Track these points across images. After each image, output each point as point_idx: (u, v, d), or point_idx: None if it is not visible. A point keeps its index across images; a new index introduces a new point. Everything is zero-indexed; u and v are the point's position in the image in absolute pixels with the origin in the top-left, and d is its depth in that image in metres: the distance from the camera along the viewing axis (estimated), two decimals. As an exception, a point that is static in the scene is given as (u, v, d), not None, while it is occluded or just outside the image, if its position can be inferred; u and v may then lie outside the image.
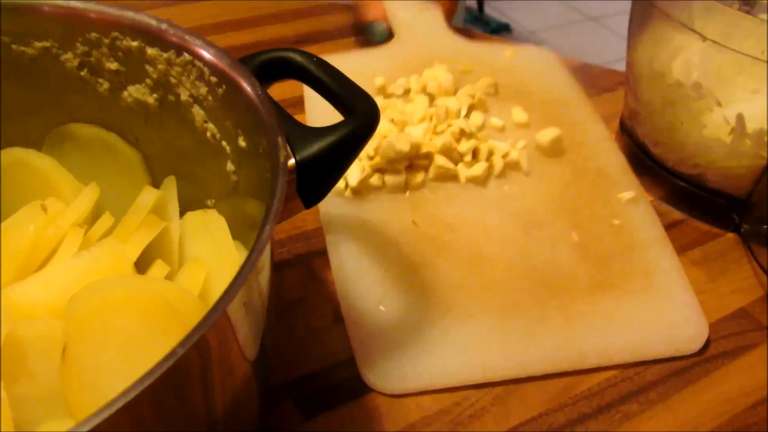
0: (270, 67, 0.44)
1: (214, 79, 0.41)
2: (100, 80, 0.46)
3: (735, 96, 0.59)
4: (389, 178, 0.59)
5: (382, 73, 0.70)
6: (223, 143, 0.43)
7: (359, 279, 0.53)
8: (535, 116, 0.68)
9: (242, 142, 0.41)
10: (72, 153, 0.48)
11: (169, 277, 0.43)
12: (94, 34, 0.44)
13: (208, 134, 0.44)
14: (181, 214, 0.46)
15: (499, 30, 3.14)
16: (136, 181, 0.48)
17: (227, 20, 0.89)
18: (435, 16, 0.81)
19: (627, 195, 0.62)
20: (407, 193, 0.60)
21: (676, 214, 0.65)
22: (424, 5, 0.81)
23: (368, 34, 0.81)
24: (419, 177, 0.60)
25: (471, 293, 0.53)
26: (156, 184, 0.48)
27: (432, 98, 0.68)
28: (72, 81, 0.46)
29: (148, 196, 0.45)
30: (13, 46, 0.44)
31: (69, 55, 0.45)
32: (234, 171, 0.43)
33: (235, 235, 0.44)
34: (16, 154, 0.47)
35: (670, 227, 0.63)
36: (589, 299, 0.53)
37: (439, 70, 0.70)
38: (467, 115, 0.66)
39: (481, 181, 0.61)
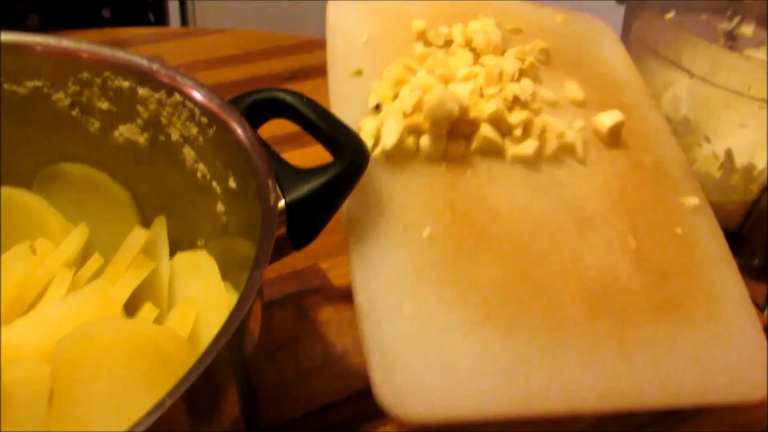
0: (260, 107, 0.45)
1: (204, 119, 0.41)
2: (91, 119, 0.46)
3: (723, 131, 0.60)
4: (427, 142, 0.49)
5: (423, 16, 0.59)
6: (214, 183, 0.43)
7: (380, 268, 0.45)
8: (591, 95, 0.58)
9: (232, 183, 0.41)
10: (62, 192, 0.48)
11: (159, 318, 0.42)
12: (85, 74, 0.44)
13: (199, 174, 0.44)
14: (171, 253, 0.46)
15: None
16: (126, 220, 0.48)
17: (219, 56, 0.89)
18: None
19: (691, 201, 0.53)
20: (444, 165, 0.49)
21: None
22: None
23: None
24: (460, 147, 0.50)
25: (513, 300, 0.45)
26: (146, 223, 0.48)
27: (476, 55, 0.57)
28: (63, 120, 0.46)
29: (138, 236, 0.45)
30: (5, 85, 0.45)
31: (60, 95, 0.45)
32: (224, 211, 0.43)
33: (226, 275, 0.44)
34: (6, 192, 0.47)
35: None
36: (648, 322, 0.46)
37: (487, 23, 0.59)
38: (518, 80, 0.55)
39: (529, 162, 0.51)
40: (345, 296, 0.57)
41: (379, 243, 0.45)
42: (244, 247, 0.40)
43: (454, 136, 0.50)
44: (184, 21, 1.65)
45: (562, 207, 0.50)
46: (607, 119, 0.54)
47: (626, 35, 0.68)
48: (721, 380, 0.45)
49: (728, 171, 0.60)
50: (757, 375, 0.46)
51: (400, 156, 0.49)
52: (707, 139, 0.60)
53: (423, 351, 0.41)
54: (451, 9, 0.61)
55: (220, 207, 0.43)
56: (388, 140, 0.48)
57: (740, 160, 0.59)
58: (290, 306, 0.56)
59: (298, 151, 0.72)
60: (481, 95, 0.52)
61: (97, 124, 0.46)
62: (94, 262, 0.44)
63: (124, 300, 0.41)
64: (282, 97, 0.45)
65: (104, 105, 0.45)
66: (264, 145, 0.40)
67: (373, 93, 0.51)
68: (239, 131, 0.39)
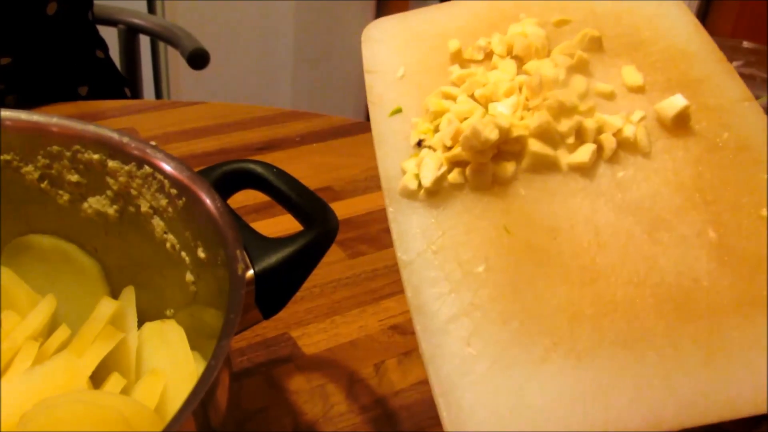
0: (230, 178, 0.45)
1: (174, 191, 0.42)
2: (61, 192, 0.46)
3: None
4: (473, 174, 0.46)
5: (456, 34, 0.55)
6: (183, 254, 0.43)
7: (439, 309, 0.42)
8: (653, 76, 0.52)
9: (201, 253, 0.41)
10: (30, 263, 0.48)
11: (126, 389, 0.42)
12: (55, 147, 0.44)
13: (168, 245, 0.44)
14: (140, 324, 0.46)
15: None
16: (95, 291, 0.48)
17: (192, 128, 0.90)
18: None
19: None
20: (494, 188, 0.46)
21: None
22: None
23: None
24: (509, 168, 0.47)
25: (583, 320, 0.42)
26: (115, 293, 0.48)
27: (520, 62, 0.53)
28: (32, 193, 0.46)
29: (106, 306, 0.45)
30: (-26, 159, 0.45)
31: (30, 168, 0.45)
32: (193, 281, 0.43)
33: (194, 345, 0.43)
34: (-27, 265, 0.47)
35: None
36: (737, 323, 0.41)
37: (528, 25, 0.55)
38: (566, 82, 0.51)
39: (588, 169, 0.47)
40: (316, 365, 0.57)
41: (435, 286, 0.43)
42: (213, 317, 0.40)
43: (501, 158, 0.47)
44: (158, 96, 1.67)
45: (628, 211, 0.46)
46: (670, 107, 0.49)
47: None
48: None
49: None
50: None
51: (445, 191, 0.46)
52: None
53: (492, 392, 0.39)
54: (490, 17, 0.57)
55: (189, 277, 0.43)
56: (426, 179, 0.46)
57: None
58: (260, 376, 0.56)
59: (270, 220, 0.73)
60: (527, 108, 0.49)
61: (66, 196, 0.46)
62: (61, 333, 0.44)
63: (89, 372, 0.41)
64: (252, 168, 0.45)
65: (74, 177, 0.45)
66: (233, 215, 0.40)
67: (413, 130, 0.49)
68: (208, 202, 0.40)
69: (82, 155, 0.44)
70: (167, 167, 0.42)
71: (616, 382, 0.39)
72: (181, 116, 0.94)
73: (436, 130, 0.48)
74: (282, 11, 2.36)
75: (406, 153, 0.48)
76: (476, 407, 0.38)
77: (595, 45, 0.53)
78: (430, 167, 0.46)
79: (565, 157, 0.47)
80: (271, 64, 2.45)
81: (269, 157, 0.85)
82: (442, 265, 0.44)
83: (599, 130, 0.48)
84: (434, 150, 0.47)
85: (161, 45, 1.61)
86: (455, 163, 0.46)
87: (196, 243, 0.41)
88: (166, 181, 0.42)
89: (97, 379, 0.42)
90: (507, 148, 0.47)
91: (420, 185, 0.46)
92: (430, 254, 0.44)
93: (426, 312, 0.42)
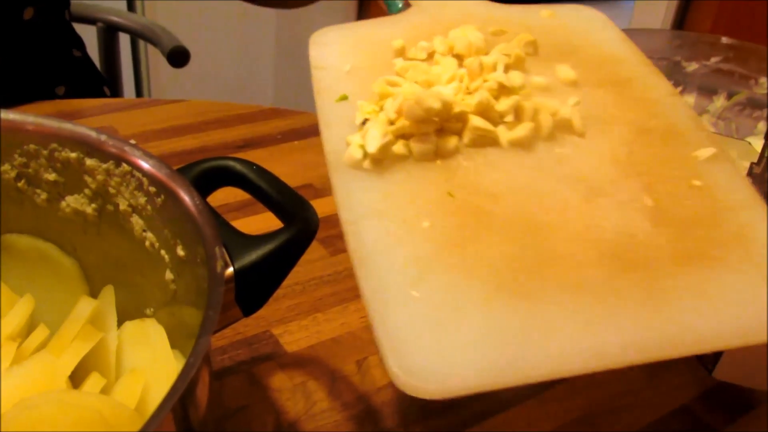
0: (210, 175, 0.45)
1: (153, 189, 0.41)
2: (38, 191, 0.45)
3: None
4: (417, 144, 0.48)
5: (402, 37, 0.58)
6: (162, 252, 0.43)
7: (384, 260, 0.43)
8: (585, 73, 0.56)
9: (181, 251, 0.41)
10: (8, 264, 0.48)
11: (106, 389, 0.42)
12: (32, 146, 0.44)
13: (147, 243, 0.44)
14: (120, 323, 0.45)
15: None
16: (74, 290, 0.48)
17: (171, 126, 0.90)
18: None
19: (705, 152, 0.50)
20: (438, 161, 0.48)
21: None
22: None
23: (387, 5, 0.68)
24: (452, 142, 0.49)
25: (525, 270, 0.42)
26: (94, 293, 0.48)
27: (460, 60, 0.55)
28: (9, 192, 0.46)
29: (85, 306, 0.45)
30: (-50, 158, 0.44)
31: (6, 167, 0.45)
32: (173, 280, 0.43)
33: (175, 344, 0.43)
34: (-51, 265, 0.46)
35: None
36: (674, 272, 0.43)
37: (468, 29, 0.57)
38: (504, 73, 0.54)
39: (527, 145, 0.50)
40: (297, 362, 0.57)
41: (379, 240, 0.44)
42: (193, 316, 0.40)
43: (444, 134, 0.49)
44: (139, 94, 1.66)
45: (567, 181, 0.48)
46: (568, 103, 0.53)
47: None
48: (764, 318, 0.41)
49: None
50: None
51: (390, 160, 0.48)
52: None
53: (436, 331, 0.39)
54: (431, 28, 0.60)
55: (168, 275, 0.43)
56: (371, 146, 0.47)
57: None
58: (242, 374, 0.55)
59: (252, 218, 0.73)
60: (468, 92, 0.51)
61: (44, 195, 0.46)
62: (39, 333, 0.44)
63: (69, 372, 0.40)
64: (231, 166, 0.45)
65: (51, 176, 0.45)
66: (212, 212, 0.40)
67: (358, 111, 0.51)
68: (187, 200, 0.39)
69: (59, 154, 0.43)
70: (145, 165, 0.42)
71: (561, 321, 0.40)
72: (161, 114, 0.93)
73: (381, 110, 0.50)
74: (263, 9, 2.35)
75: (351, 132, 0.49)
76: (421, 347, 0.38)
77: (531, 48, 0.57)
78: (374, 135, 0.47)
79: (505, 134, 0.49)
80: (253, 62, 2.44)
81: (250, 155, 0.85)
82: (386, 223, 0.44)
83: (536, 111, 0.50)
84: (379, 122, 0.49)
85: (141, 43, 1.60)
86: (400, 136, 0.48)
87: (176, 241, 0.41)
88: (144, 179, 0.42)
89: (77, 378, 0.42)
90: (449, 125, 0.49)
91: (365, 154, 0.47)
92: (374, 213, 0.45)
93: (370, 262, 0.42)
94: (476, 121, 0.49)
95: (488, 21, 0.60)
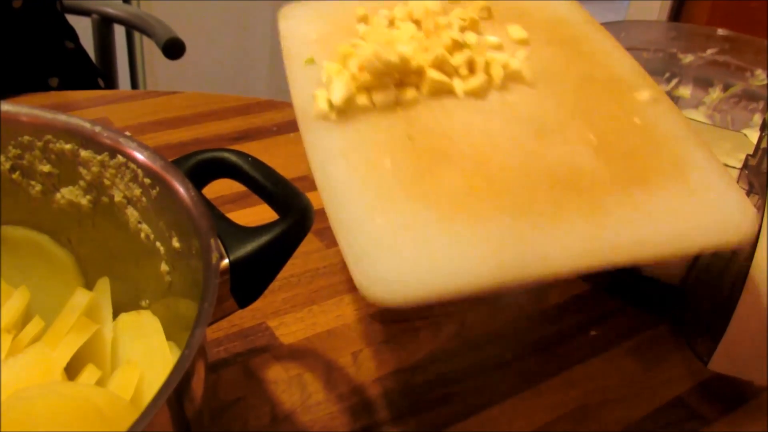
0: (205, 167, 0.45)
1: (147, 180, 0.41)
2: (33, 183, 0.45)
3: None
4: (378, 95, 0.52)
5: (364, 6, 0.63)
6: (157, 244, 0.43)
7: (350, 194, 0.47)
8: (536, 34, 0.61)
9: (176, 243, 0.41)
10: (2, 256, 0.47)
11: (102, 381, 0.42)
12: (26, 137, 0.44)
13: (142, 235, 0.43)
14: (115, 315, 0.45)
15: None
16: (69, 282, 0.48)
17: (165, 118, 0.90)
18: None
19: (644, 94, 0.56)
20: (399, 111, 0.53)
21: (612, 303, 0.66)
22: None
23: None
24: (411, 93, 0.54)
25: (480, 197, 0.47)
26: (89, 285, 0.48)
27: (419, 25, 0.60)
28: (3, 184, 0.45)
29: (81, 298, 0.44)
30: (-57, 150, 0.44)
31: (0, 158, 0.44)
32: (168, 271, 0.43)
33: (170, 336, 0.43)
34: (-56, 257, 0.46)
35: (605, 317, 0.64)
36: (617, 193, 0.48)
37: None
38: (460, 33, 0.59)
39: (480, 94, 0.55)
40: (293, 354, 0.57)
41: (346, 177, 0.47)
42: (189, 308, 0.40)
43: (404, 86, 0.53)
44: (134, 86, 1.65)
45: (518, 122, 0.52)
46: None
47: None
48: (702, 229, 0.46)
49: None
50: (739, 216, 0.47)
51: (354, 112, 0.51)
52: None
53: (395, 247, 0.43)
54: (390, 2, 0.64)
55: (164, 267, 0.43)
56: (336, 96, 0.51)
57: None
58: (237, 366, 0.55)
59: (247, 210, 0.73)
60: (425, 50, 0.55)
61: (38, 187, 0.45)
62: (35, 325, 0.43)
63: (64, 363, 0.40)
64: (226, 157, 0.45)
65: (46, 168, 0.44)
66: (208, 204, 0.40)
67: (324, 70, 0.54)
68: (182, 191, 0.39)
69: (54, 145, 0.43)
70: (140, 156, 0.41)
71: (511, 239, 0.44)
72: (155, 106, 0.93)
73: (345, 69, 0.53)
74: (259, 1, 2.35)
75: (317, 88, 0.53)
76: (383, 262, 0.42)
77: (486, 13, 0.62)
78: (339, 87, 0.51)
79: (461, 85, 0.54)
80: (248, 54, 2.44)
81: (245, 147, 0.85)
82: (353, 165, 0.48)
83: (488, 64, 0.55)
84: (343, 75, 0.52)
85: (137, 35, 1.59)
86: (362, 88, 0.52)
87: (171, 233, 0.41)
88: (139, 171, 0.42)
89: (72, 370, 0.42)
90: (408, 79, 0.53)
91: (331, 106, 0.51)
92: (340, 154, 0.49)
93: (338, 196, 0.46)
94: (433, 73, 0.53)
95: None
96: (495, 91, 0.55)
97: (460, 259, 0.43)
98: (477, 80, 0.54)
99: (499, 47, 0.59)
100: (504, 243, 0.44)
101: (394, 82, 0.53)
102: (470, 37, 0.58)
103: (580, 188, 0.48)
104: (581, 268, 0.44)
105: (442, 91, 0.54)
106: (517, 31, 0.61)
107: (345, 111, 0.51)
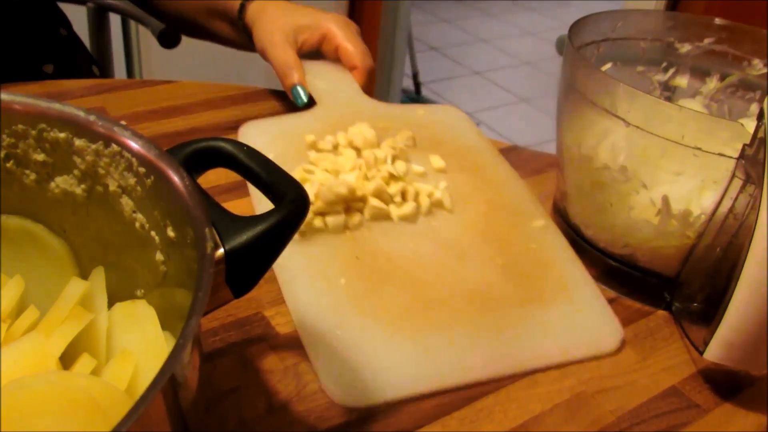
0: (200, 156, 0.44)
1: (142, 169, 0.41)
2: (27, 171, 0.45)
3: (660, 178, 0.61)
4: (330, 219, 0.65)
5: (312, 132, 0.76)
6: (152, 233, 0.43)
7: (314, 309, 0.58)
8: (451, 162, 0.76)
9: (171, 233, 0.41)
10: (-3, 245, 0.47)
11: (97, 370, 0.42)
12: (20, 126, 0.43)
13: (137, 224, 0.43)
14: (110, 304, 0.45)
15: (437, 112, 3.20)
16: (63, 272, 0.47)
17: (160, 107, 0.89)
18: (351, 85, 0.87)
19: (538, 223, 0.71)
20: (347, 232, 0.65)
21: (609, 293, 0.66)
22: (340, 76, 0.88)
23: (293, 97, 0.86)
24: (356, 218, 0.66)
25: (416, 313, 0.59)
26: (84, 274, 0.47)
27: (359, 151, 0.73)
28: (-3, 172, 0.45)
29: (75, 287, 0.44)
30: (-63, 139, 0.44)
31: (-5, 147, 0.44)
32: (163, 261, 0.43)
33: (165, 325, 0.43)
34: (-62, 247, 0.46)
35: (602, 307, 0.64)
36: (518, 312, 0.61)
37: (363, 127, 0.76)
38: (392, 163, 0.72)
39: (411, 219, 0.68)
40: (289, 344, 0.57)
41: (308, 293, 0.60)
42: (184, 297, 0.40)
43: (350, 212, 0.66)
44: (130, 75, 1.64)
45: (442, 246, 0.66)
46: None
47: (565, 86, 0.69)
48: (583, 341, 0.60)
49: (665, 217, 0.61)
50: (611, 331, 0.61)
51: (311, 232, 0.64)
52: (645, 187, 0.61)
53: (352, 357, 0.55)
54: (335, 121, 0.80)
55: (159, 257, 0.43)
56: None
57: (677, 207, 0.60)
58: (233, 355, 0.55)
59: (244, 199, 0.72)
60: (366, 178, 0.68)
61: (32, 176, 0.45)
62: (29, 314, 0.43)
63: (59, 353, 0.40)
64: (222, 146, 0.45)
65: (40, 157, 0.44)
66: (203, 193, 0.40)
67: None
68: (177, 181, 0.39)
69: (48, 134, 0.43)
70: (135, 145, 0.41)
71: (438, 351, 0.57)
72: (151, 95, 0.93)
73: None
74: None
75: None
76: (346, 371, 0.54)
77: (411, 142, 0.78)
78: None
79: (395, 211, 0.68)
80: (244, 43, 2.42)
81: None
82: (313, 281, 0.61)
83: (417, 193, 0.70)
84: None
85: (132, 24, 1.58)
86: (317, 214, 0.65)
87: (166, 222, 0.41)
88: (134, 160, 0.41)
89: (67, 360, 0.42)
90: (354, 205, 0.67)
91: None
92: (303, 276, 0.61)
93: (302, 311, 0.58)
94: (374, 201, 0.67)
95: (377, 117, 0.81)
96: (422, 216, 0.69)
97: (401, 370, 0.55)
98: (408, 207, 0.68)
99: (423, 175, 0.73)
100: (435, 355, 0.56)
101: (343, 207, 0.66)
102: (400, 166, 0.72)
103: (492, 306, 0.61)
104: (492, 375, 0.56)
105: (381, 216, 0.67)
106: (437, 161, 0.75)
107: (304, 232, 0.64)
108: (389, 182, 0.69)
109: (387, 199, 0.68)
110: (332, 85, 0.87)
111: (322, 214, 0.65)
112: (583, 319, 0.61)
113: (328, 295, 0.59)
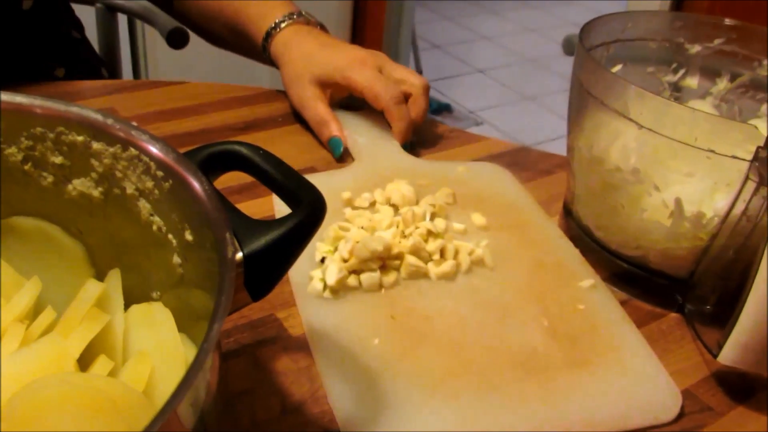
0: (216, 159, 0.45)
1: (160, 173, 0.41)
2: (44, 174, 0.45)
3: (671, 180, 0.61)
4: (365, 278, 0.62)
5: (348, 189, 0.74)
6: (170, 236, 0.43)
7: (346, 372, 0.55)
8: (493, 219, 0.73)
9: (189, 236, 0.41)
10: (14, 246, 0.47)
11: (114, 372, 0.42)
12: (39, 129, 0.43)
13: (154, 227, 0.43)
14: (126, 306, 0.45)
15: (440, 110, 3.20)
16: (80, 273, 0.48)
17: (172, 108, 0.89)
18: (390, 141, 0.86)
19: (587, 283, 0.66)
20: (382, 291, 0.63)
21: (620, 295, 0.66)
22: (380, 133, 0.87)
23: (330, 149, 0.85)
24: (392, 276, 0.63)
25: (454, 376, 0.55)
26: (100, 276, 0.48)
27: (396, 209, 0.71)
28: (15, 174, 0.45)
29: (92, 289, 0.44)
30: (-45, 141, 0.44)
31: (13, 149, 0.44)
32: (180, 264, 0.43)
33: (181, 327, 0.43)
34: (-45, 248, 0.46)
35: (613, 309, 0.64)
36: (565, 376, 0.56)
37: (401, 184, 0.74)
38: (431, 220, 0.69)
39: (450, 277, 0.65)
40: (302, 346, 0.57)
41: (340, 355, 0.56)
42: (200, 299, 0.40)
43: (386, 269, 0.64)
44: (136, 76, 1.65)
45: (482, 305, 0.63)
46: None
47: (576, 87, 0.69)
48: (636, 409, 0.55)
49: (678, 219, 0.61)
50: (667, 400, 0.55)
51: (344, 291, 0.62)
52: (657, 188, 0.61)
53: (389, 424, 0.51)
54: (372, 178, 0.78)
55: (176, 259, 0.43)
56: (330, 279, 0.60)
57: (689, 209, 0.60)
58: (246, 357, 0.56)
59: (254, 201, 0.73)
60: (404, 236, 0.66)
61: (50, 179, 0.45)
62: (47, 315, 0.43)
63: (77, 354, 0.40)
64: (238, 150, 0.45)
65: (57, 159, 0.44)
66: (221, 198, 0.40)
67: (317, 251, 0.65)
68: (196, 185, 0.39)
69: (66, 137, 0.43)
70: (153, 149, 0.41)
71: (478, 419, 0.52)
72: (160, 96, 0.93)
73: (335, 250, 0.64)
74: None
75: (311, 268, 0.63)
76: None
77: (451, 199, 0.75)
78: (332, 271, 0.61)
79: (434, 270, 0.65)
80: (250, 43, 2.42)
81: (252, 137, 0.85)
82: (345, 341, 0.57)
83: (457, 251, 0.66)
84: (335, 261, 0.62)
85: (138, 24, 1.59)
86: (351, 271, 0.62)
87: (184, 225, 0.41)
88: (151, 164, 0.41)
89: (84, 361, 0.42)
90: (390, 262, 0.64)
91: (325, 286, 0.61)
92: (334, 333, 0.58)
93: (333, 373, 0.55)
94: (411, 259, 0.64)
95: (416, 174, 0.79)
96: (462, 274, 0.65)
97: None
98: (448, 266, 0.64)
99: (464, 233, 0.70)
100: (475, 421, 0.52)
101: (378, 265, 0.63)
102: (439, 223, 0.69)
103: (537, 370, 0.57)
104: None
105: (419, 274, 0.64)
106: (478, 218, 0.72)
107: (337, 290, 0.61)
108: (427, 239, 0.66)
109: (425, 257, 0.65)
110: (370, 140, 0.86)
111: (356, 272, 0.62)
112: (638, 385, 0.56)
113: (359, 357, 0.56)
